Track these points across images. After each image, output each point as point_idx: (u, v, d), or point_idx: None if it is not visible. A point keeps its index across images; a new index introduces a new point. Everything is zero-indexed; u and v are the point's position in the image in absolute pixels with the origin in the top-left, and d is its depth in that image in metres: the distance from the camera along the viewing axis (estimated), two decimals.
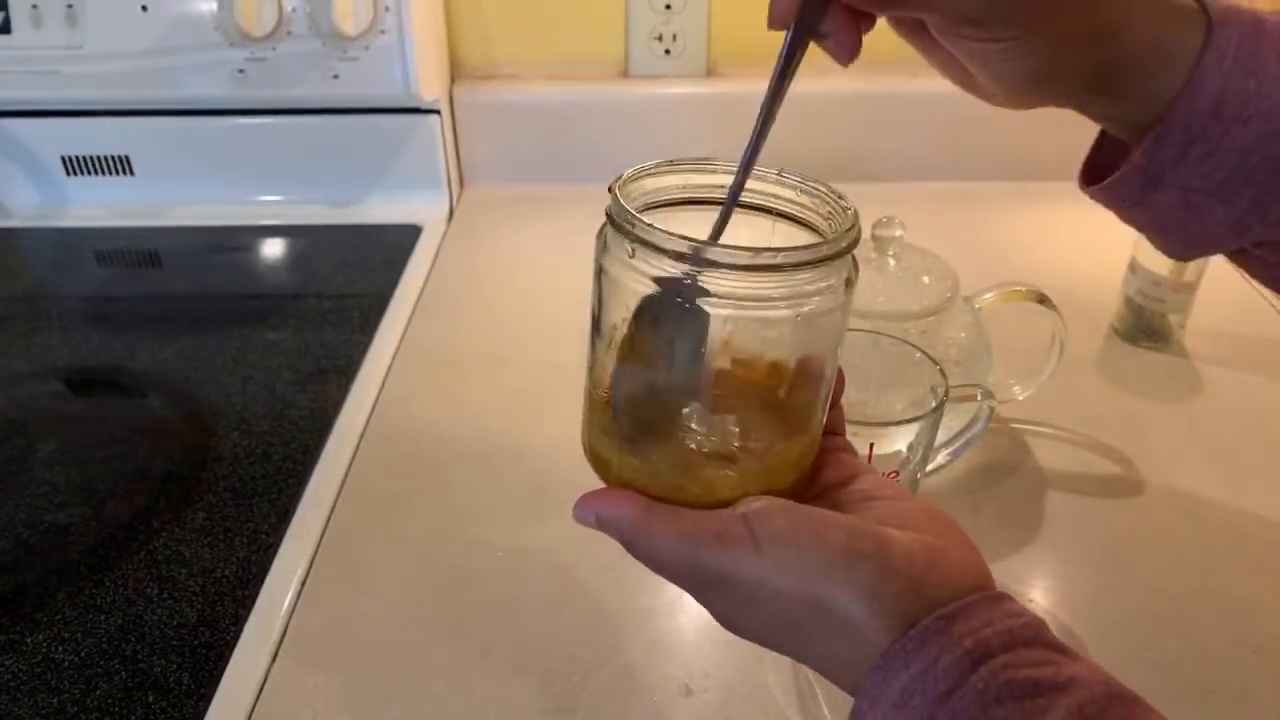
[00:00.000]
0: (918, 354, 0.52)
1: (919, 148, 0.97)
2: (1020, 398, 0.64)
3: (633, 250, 0.32)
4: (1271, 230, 0.38)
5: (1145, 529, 0.58)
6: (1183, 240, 0.40)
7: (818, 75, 0.96)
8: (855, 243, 0.32)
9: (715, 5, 0.93)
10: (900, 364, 0.53)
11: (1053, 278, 0.73)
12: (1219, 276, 0.72)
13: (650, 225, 0.31)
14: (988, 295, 0.62)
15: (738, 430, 0.36)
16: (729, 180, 0.35)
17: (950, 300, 0.60)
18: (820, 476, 0.37)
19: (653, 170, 0.35)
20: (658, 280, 0.32)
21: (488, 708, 0.48)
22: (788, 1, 0.33)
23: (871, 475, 0.36)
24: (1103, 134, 0.43)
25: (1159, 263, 0.70)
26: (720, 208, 0.35)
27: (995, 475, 0.62)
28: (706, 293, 0.31)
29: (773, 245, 0.35)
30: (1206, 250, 0.41)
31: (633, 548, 0.34)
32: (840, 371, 0.37)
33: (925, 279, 0.60)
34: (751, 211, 0.36)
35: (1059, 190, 0.94)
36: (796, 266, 0.31)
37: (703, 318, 0.32)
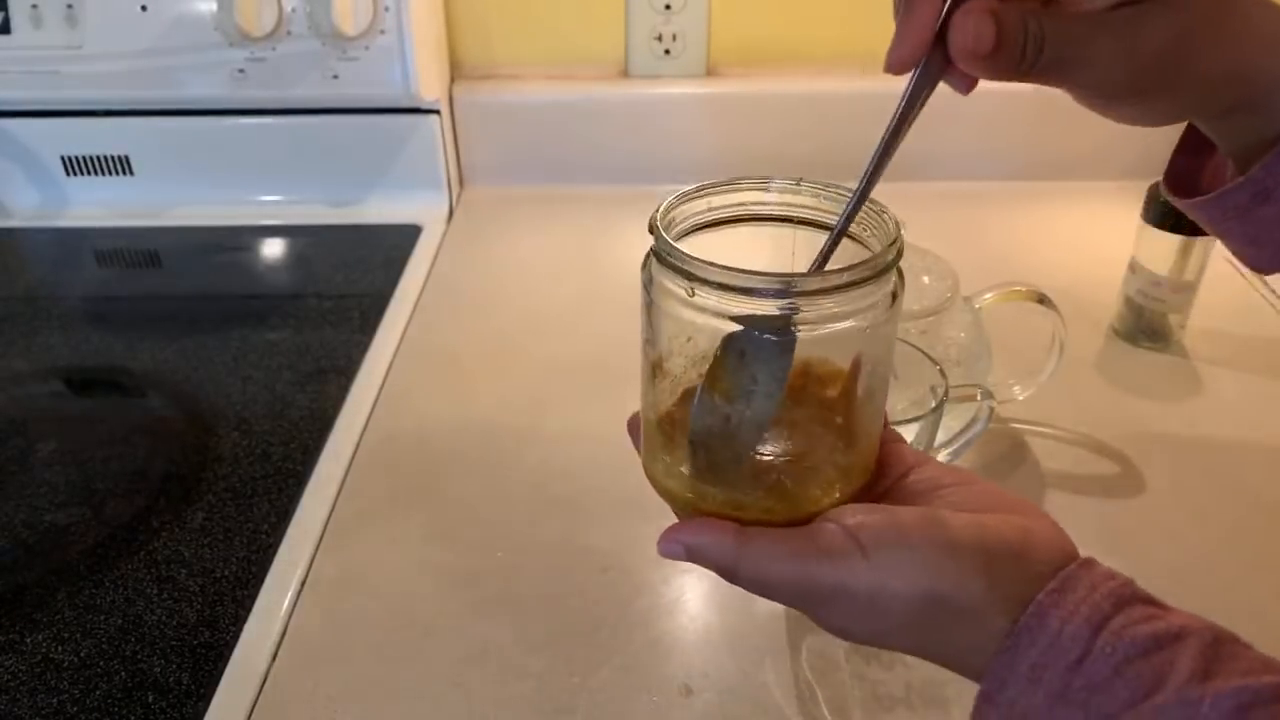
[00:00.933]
0: (918, 354, 0.52)
1: (919, 147, 0.96)
2: (1020, 398, 0.64)
3: (692, 290, 0.32)
4: None
5: (1145, 529, 0.58)
6: (1278, 254, 0.40)
7: (819, 74, 0.96)
8: (901, 252, 0.33)
9: (715, 5, 0.93)
10: (900, 364, 0.53)
11: (1053, 278, 0.73)
12: (1219, 276, 0.72)
13: (708, 263, 0.31)
14: (988, 295, 0.62)
15: (813, 445, 0.36)
16: (755, 196, 0.36)
17: (950, 300, 0.60)
18: (882, 472, 0.37)
19: (683, 199, 0.36)
20: (744, 319, 0.32)
21: (488, 708, 0.48)
22: (910, 52, 0.33)
23: (931, 464, 0.36)
24: (1180, 145, 0.43)
25: (1159, 263, 0.70)
26: (759, 224, 0.36)
27: (995, 475, 0.62)
28: (792, 324, 0.32)
29: (794, 255, 0.36)
30: None
31: (733, 575, 0.34)
32: None
33: (925, 279, 0.60)
34: (775, 223, 0.37)
35: (1059, 190, 0.95)
36: (857, 283, 0.31)
37: (790, 346, 0.33)
